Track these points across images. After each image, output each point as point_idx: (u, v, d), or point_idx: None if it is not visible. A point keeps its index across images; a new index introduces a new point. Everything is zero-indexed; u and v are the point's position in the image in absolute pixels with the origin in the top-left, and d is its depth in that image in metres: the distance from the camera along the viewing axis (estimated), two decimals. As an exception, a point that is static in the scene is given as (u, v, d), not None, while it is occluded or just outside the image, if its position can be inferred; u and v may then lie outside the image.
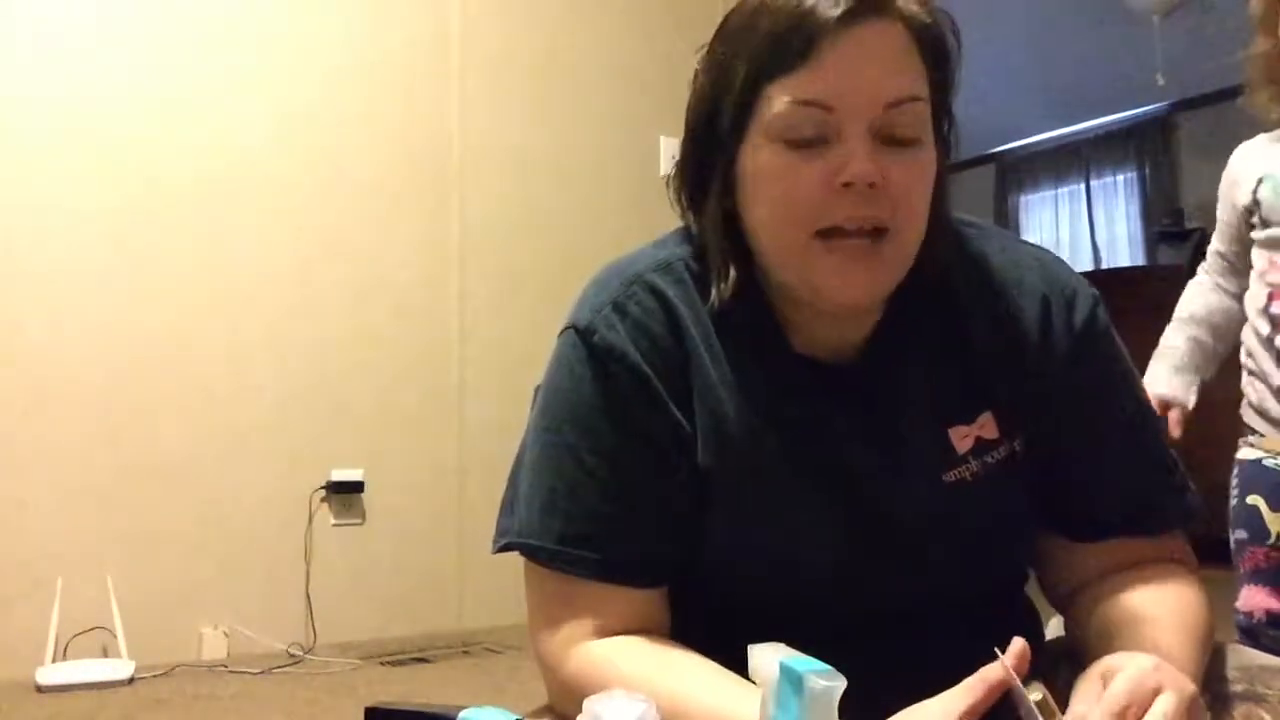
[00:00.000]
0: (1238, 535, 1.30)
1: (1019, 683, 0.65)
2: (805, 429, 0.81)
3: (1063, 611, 0.89)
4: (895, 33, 0.73)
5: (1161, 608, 0.79)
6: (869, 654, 0.71)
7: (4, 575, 2.75)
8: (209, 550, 3.02)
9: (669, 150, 3.68)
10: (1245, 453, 1.31)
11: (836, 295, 0.76)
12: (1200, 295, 1.43)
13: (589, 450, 0.80)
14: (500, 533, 0.84)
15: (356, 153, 3.34)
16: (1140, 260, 6.17)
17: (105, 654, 2.80)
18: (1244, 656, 0.85)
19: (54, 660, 2.70)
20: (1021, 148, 6.79)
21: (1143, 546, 0.84)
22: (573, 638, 0.79)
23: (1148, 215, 6.17)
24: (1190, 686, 0.66)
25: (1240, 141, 1.35)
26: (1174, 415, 1.43)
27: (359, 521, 3.27)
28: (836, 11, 0.71)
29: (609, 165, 3.68)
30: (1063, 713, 0.67)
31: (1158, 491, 0.85)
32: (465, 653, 3.04)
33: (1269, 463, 1.27)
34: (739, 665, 0.62)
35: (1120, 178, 6.37)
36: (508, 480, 0.86)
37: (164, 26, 3.06)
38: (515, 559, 0.84)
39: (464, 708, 0.59)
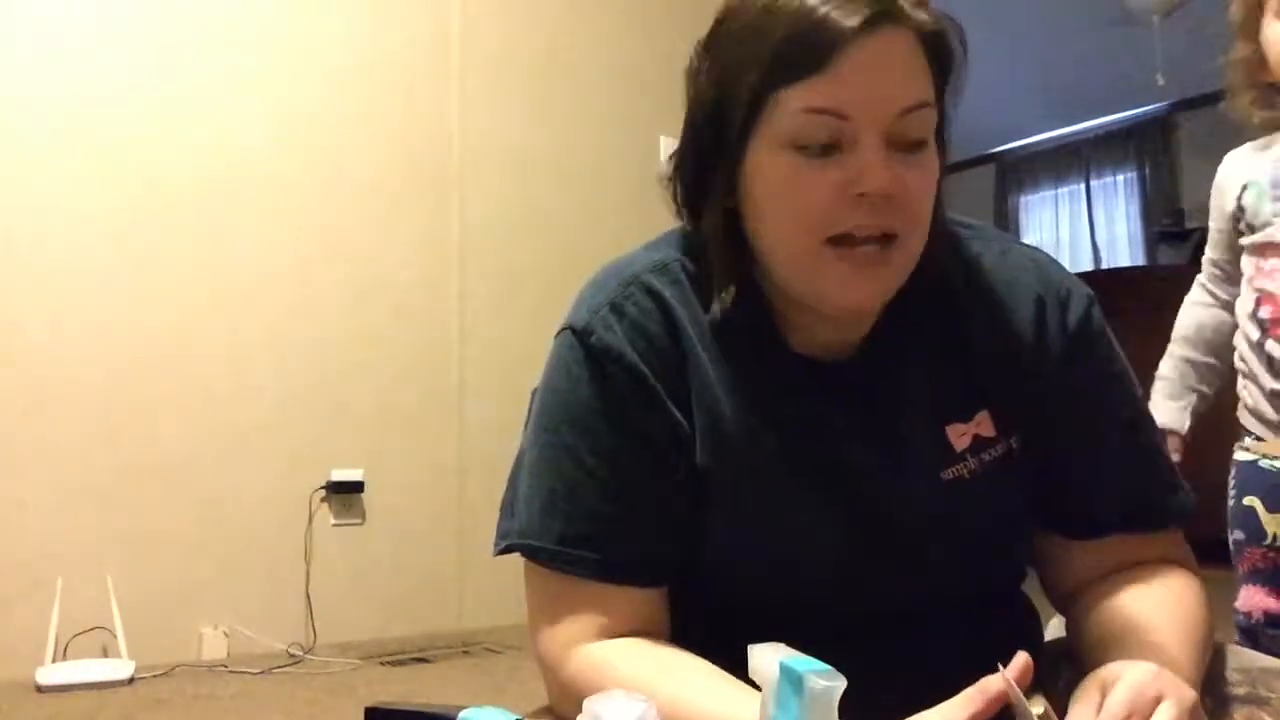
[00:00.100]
0: (1235, 536, 1.31)
1: (1021, 696, 0.65)
2: (804, 428, 0.82)
3: (1064, 612, 0.89)
4: (906, 40, 0.73)
5: (1161, 612, 0.79)
6: (869, 654, 0.71)
7: (4, 575, 2.75)
8: (209, 550, 3.02)
9: (669, 150, 3.67)
10: (1241, 454, 1.32)
11: (845, 301, 0.76)
12: (1189, 313, 1.46)
13: (588, 451, 0.80)
14: (500, 535, 0.84)
15: (356, 153, 3.34)
16: (1140, 260, 6.17)
17: (105, 654, 2.80)
18: (1245, 658, 0.85)
19: (54, 660, 2.70)
20: (1021, 148, 6.79)
21: (1141, 546, 0.84)
22: (573, 638, 0.79)
23: (1148, 215, 6.17)
24: (1190, 693, 0.66)
25: (1240, 142, 1.36)
26: (1171, 443, 1.45)
27: (359, 521, 3.27)
28: (855, 21, 0.71)
29: (609, 165, 3.68)
30: None
31: (1153, 489, 0.85)
32: (465, 653, 3.03)
33: (1265, 464, 1.28)
34: (739, 665, 0.62)
35: (1120, 178, 6.37)
36: (507, 483, 0.86)
37: (164, 26, 3.06)
38: (516, 559, 0.84)
39: (464, 708, 0.59)
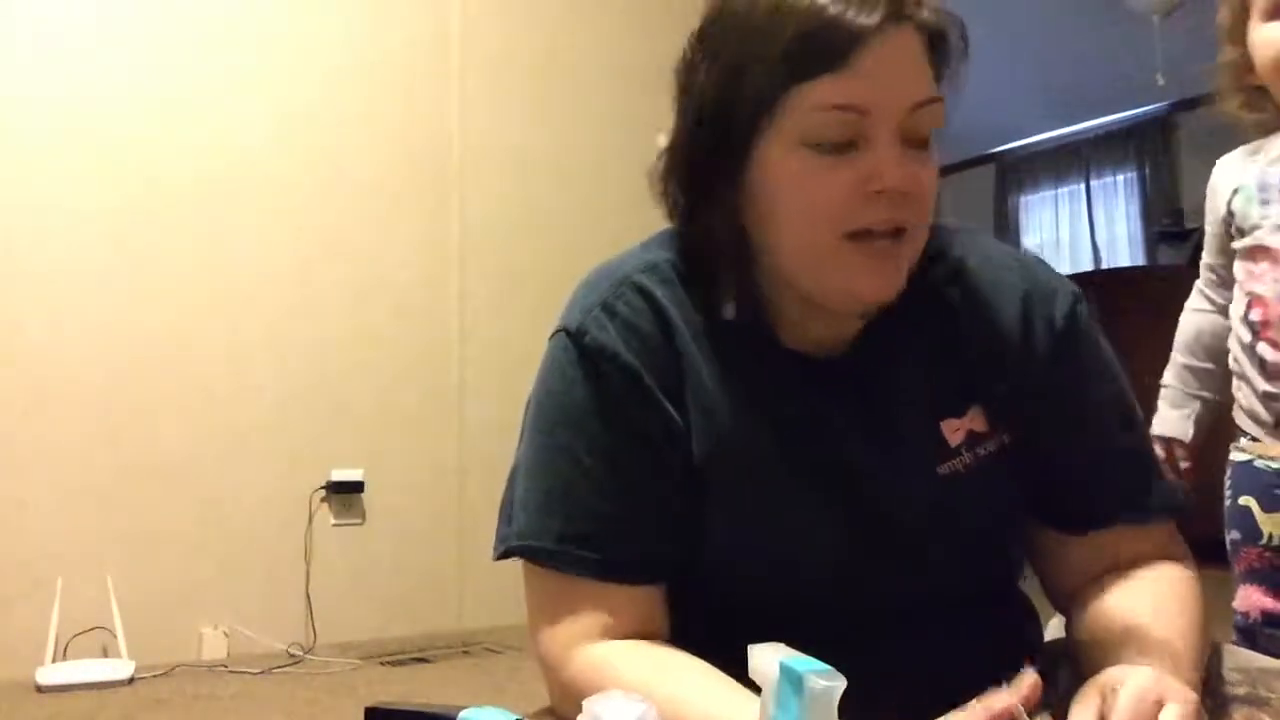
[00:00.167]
0: (1232, 536, 1.32)
1: (1025, 716, 0.64)
2: (801, 424, 0.82)
3: (1063, 612, 0.89)
4: (915, 37, 0.75)
5: (1159, 608, 0.79)
6: (868, 652, 0.72)
7: (4, 575, 2.76)
8: (209, 550, 3.02)
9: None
10: (1236, 455, 1.33)
11: (866, 294, 0.77)
12: (1188, 320, 1.47)
13: (584, 450, 0.80)
14: (499, 540, 0.85)
15: (356, 153, 3.34)
16: (1140, 260, 6.17)
17: (105, 654, 2.80)
18: (1244, 658, 0.85)
19: (54, 660, 2.70)
20: (1021, 148, 6.79)
21: (1136, 540, 0.85)
22: (574, 639, 0.79)
23: (1148, 215, 6.17)
24: (1192, 696, 0.66)
25: (1240, 143, 1.37)
26: (1178, 452, 1.46)
27: (359, 521, 3.27)
28: (875, 19, 0.72)
29: (609, 165, 3.68)
30: None
31: (1143, 482, 0.86)
32: (465, 653, 3.04)
33: (1259, 464, 1.29)
34: (739, 665, 0.62)
35: (1120, 178, 6.37)
36: (505, 489, 0.87)
37: (164, 26, 3.07)
38: (516, 560, 0.84)
39: (464, 708, 0.59)
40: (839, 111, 0.73)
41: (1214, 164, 1.39)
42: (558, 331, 0.84)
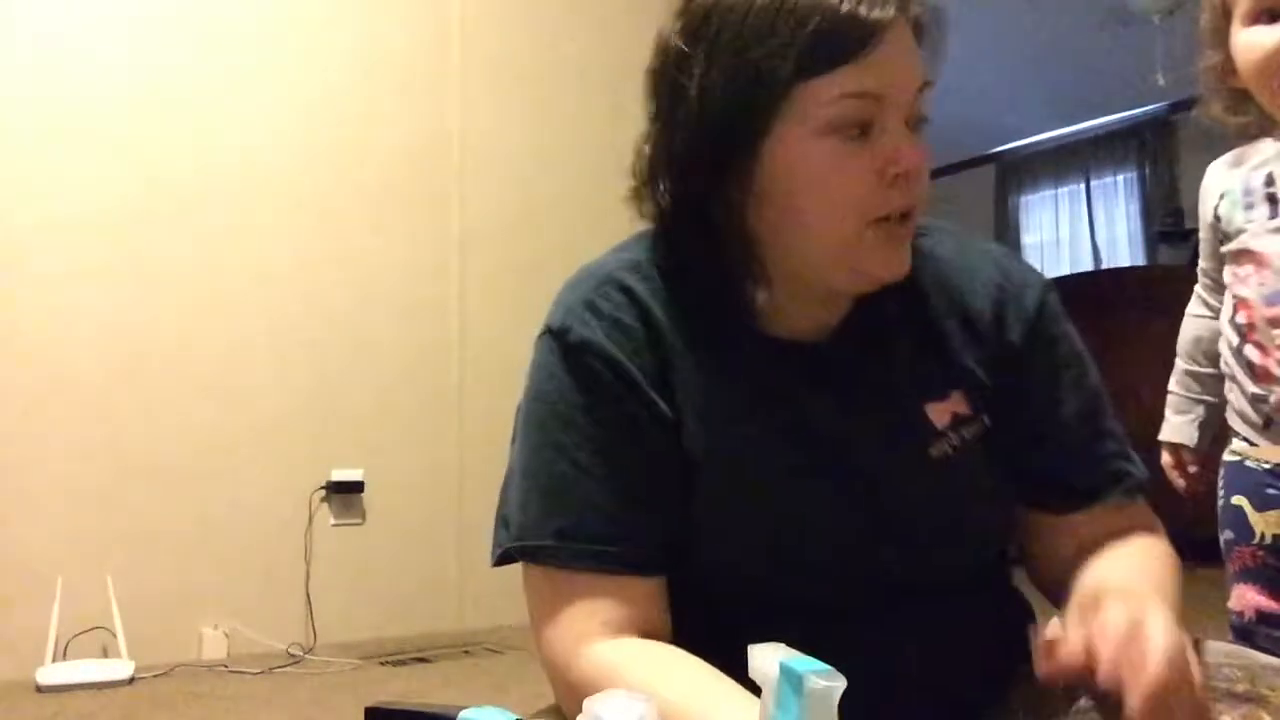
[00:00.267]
0: (1225, 536, 1.33)
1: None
2: (790, 410, 0.83)
3: (1049, 594, 0.91)
4: (908, 26, 0.78)
5: (1142, 572, 0.82)
6: (866, 635, 0.74)
7: (4, 575, 2.76)
8: (209, 550, 3.02)
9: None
10: (1229, 455, 1.34)
11: (881, 276, 0.80)
12: (1188, 325, 1.50)
13: (576, 445, 0.81)
14: (496, 545, 0.85)
15: (356, 153, 3.34)
16: (1140, 260, 6.18)
17: (105, 654, 2.80)
18: (1244, 656, 0.85)
19: (54, 660, 2.70)
20: (1021, 148, 6.79)
21: (1116, 518, 0.87)
22: (578, 635, 0.79)
23: (1148, 215, 6.18)
24: (1172, 617, 0.68)
25: (1234, 145, 1.38)
26: (1185, 458, 1.48)
27: (359, 521, 3.27)
28: (889, 12, 0.75)
29: (609, 165, 3.67)
30: None
31: (1119, 462, 0.89)
32: (466, 653, 3.04)
33: (1250, 464, 1.29)
34: (738, 656, 0.62)
35: (1120, 178, 6.37)
36: (499, 496, 0.87)
37: (164, 26, 3.07)
38: (514, 565, 0.85)
39: (464, 708, 0.59)
40: (857, 100, 0.76)
41: None
42: (542, 334, 0.86)
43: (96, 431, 2.90)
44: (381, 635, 3.20)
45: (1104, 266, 6.30)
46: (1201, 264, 1.45)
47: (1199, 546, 1.62)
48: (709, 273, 0.83)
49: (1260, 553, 1.28)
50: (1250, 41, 1.23)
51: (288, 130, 3.23)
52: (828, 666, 0.54)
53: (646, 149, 0.85)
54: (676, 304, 0.84)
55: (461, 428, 3.45)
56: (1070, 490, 0.87)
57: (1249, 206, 1.29)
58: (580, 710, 0.53)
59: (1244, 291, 1.28)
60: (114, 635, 2.79)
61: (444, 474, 3.41)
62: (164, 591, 2.93)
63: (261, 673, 2.77)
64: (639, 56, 0.85)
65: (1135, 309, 4.14)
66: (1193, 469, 1.47)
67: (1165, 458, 1.49)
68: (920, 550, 0.84)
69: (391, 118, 3.41)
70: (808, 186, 0.78)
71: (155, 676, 2.73)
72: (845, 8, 0.74)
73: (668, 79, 0.82)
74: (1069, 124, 6.46)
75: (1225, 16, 1.28)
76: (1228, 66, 1.28)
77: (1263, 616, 1.27)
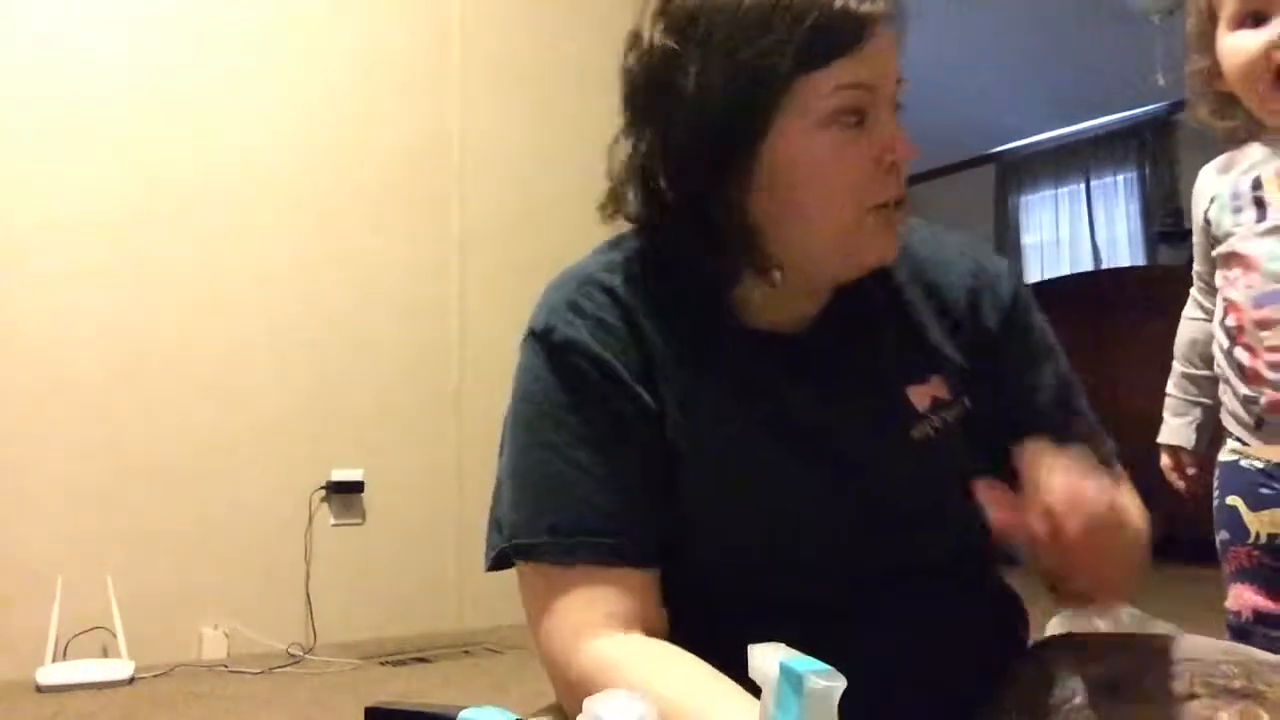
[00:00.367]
0: (1221, 536, 1.33)
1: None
2: (773, 400, 0.84)
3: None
4: (891, 19, 0.80)
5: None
6: (857, 620, 0.75)
7: (4, 575, 2.76)
8: (209, 550, 3.02)
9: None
10: (1224, 455, 1.34)
11: (874, 262, 0.83)
12: (1184, 328, 1.51)
13: (566, 443, 0.82)
14: (490, 548, 0.86)
15: (356, 153, 3.34)
16: (1140, 260, 6.17)
17: (105, 654, 2.80)
18: (1241, 652, 0.85)
19: (54, 660, 2.70)
20: (1021, 148, 6.79)
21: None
22: (576, 632, 0.79)
23: (1148, 215, 6.17)
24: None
25: (1231, 147, 1.39)
26: (1184, 460, 1.49)
27: (359, 521, 3.27)
28: (878, 6, 0.77)
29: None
30: None
31: (1095, 441, 0.89)
32: (466, 653, 3.04)
33: (1244, 464, 1.30)
34: (733, 651, 0.62)
35: (1120, 178, 6.37)
36: (491, 502, 0.88)
37: (164, 26, 3.07)
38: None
39: (464, 708, 0.59)
40: (854, 90, 0.78)
41: None
42: (526, 337, 0.87)
43: (96, 431, 2.90)
44: (381, 635, 3.20)
45: (1104, 266, 6.29)
46: (1195, 267, 1.46)
47: (1197, 547, 1.62)
48: (703, 270, 0.84)
49: (1256, 552, 1.28)
50: (1235, 45, 1.24)
51: (288, 130, 3.23)
52: (828, 666, 0.54)
53: (628, 149, 0.86)
54: (658, 302, 0.85)
55: (461, 428, 3.45)
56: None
57: (1237, 210, 1.30)
58: (581, 709, 0.53)
59: (1233, 294, 1.29)
60: (114, 635, 2.79)
61: (444, 474, 3.41)
62: (164, 591, 2.93)
63: (261, 673, 2.77)
64: (640, 57, 0.86)
65: (1135, 309, 4.14)
66: (1191, 471, 1.48)
67: (1164, 460, 1.50)
68: (906, 534, 0.85)
69: (391, 118, 3.41)
70: (809, 177, 0.79)
71: (155, 676, 2.73)
72: (839, 2, 0.76)
73: (654, 79, 0.82)
74: (1069, 124, 6.46)
75: (1211, 21, 1.29)
76: (1214, 70, 1.29)
77: (1260, 616, 1.27)
